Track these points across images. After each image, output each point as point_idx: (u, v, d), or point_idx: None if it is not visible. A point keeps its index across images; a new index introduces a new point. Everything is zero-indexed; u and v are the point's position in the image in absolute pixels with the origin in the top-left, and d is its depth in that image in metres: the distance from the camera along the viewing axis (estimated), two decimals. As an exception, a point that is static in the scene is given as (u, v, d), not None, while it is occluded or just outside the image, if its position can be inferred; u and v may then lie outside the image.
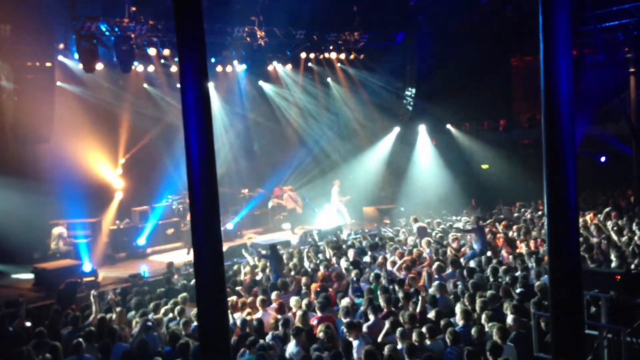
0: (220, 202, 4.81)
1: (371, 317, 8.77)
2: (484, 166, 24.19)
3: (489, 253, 12.63)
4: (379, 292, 9.76)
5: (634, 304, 6.99)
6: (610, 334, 6.87)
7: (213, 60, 18.13)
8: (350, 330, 8.02)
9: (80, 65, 15.62)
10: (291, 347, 7.87)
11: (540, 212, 16.49)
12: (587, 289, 6.99)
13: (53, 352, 8.07)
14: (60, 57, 16.13)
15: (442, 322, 8.19)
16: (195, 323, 8.86)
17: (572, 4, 3.83)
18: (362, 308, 9.30)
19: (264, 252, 13.41)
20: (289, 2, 17.02)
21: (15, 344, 8.45)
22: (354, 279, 10.95)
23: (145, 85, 19.44)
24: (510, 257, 12.16)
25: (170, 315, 9.74)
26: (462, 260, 12.07)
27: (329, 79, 22.28)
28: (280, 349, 8.04)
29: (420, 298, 9.31)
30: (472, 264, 11.88)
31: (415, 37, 21.01)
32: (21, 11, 13.73)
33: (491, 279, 10.45)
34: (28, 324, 9.77)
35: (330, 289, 10.57)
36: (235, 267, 13.26)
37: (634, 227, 13.85)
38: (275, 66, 20.10)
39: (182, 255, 16.63)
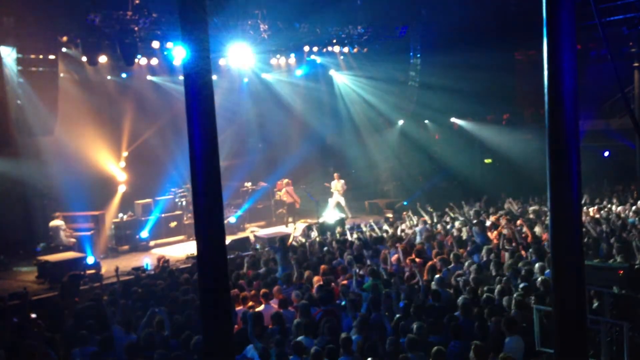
0: (223, 195, 4.82)
1: (373, 312, 8.78)
2: (487, 160, 24.16)
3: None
4: (381, 287, 9.78)
5: (637, 299, 6.99)
6: (612, 329, 6.88)
7: (216, 53, 18.10)
8: (356, 325, 8.04)
9: (84, 58, 15.64)
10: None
11: (543, 207, 16.47)
12: (590, 284, 6.99)
13: (53, 344, 8.10)
14: (64, 50, 16.13)
15: (444, 316, 8.21)
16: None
17: (577, -3, 3.81)
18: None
19: (272, 244, 13.43)
20: (292, -4, 17.03)
21: (19, 336, 8.49)
22: (356, 271, 10.97)
23: (148, 77, 19.43)
24: (513, 251, 12.15)
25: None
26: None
27: (332, 72, 22.25)
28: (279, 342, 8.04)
29: (422, 292, 9.33)
30: (471, 258, 11.88)
31: (418, 30, 20.97)
32: (25, 3, 13.72)
33: (494, 273, 10.45)
34: (33, 315, 9.81)
35: (333, 283, 10.59)
36: (237, 261, 13.29)
37: (637, 221, 13.84)
38: (279, 59, 20.07)
39: (185, 249, 16.69)
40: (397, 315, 8.56)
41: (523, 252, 11.79)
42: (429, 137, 24.34)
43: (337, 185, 20.46)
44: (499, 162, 23.03)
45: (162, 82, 19.57)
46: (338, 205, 20.37)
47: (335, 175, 20.77)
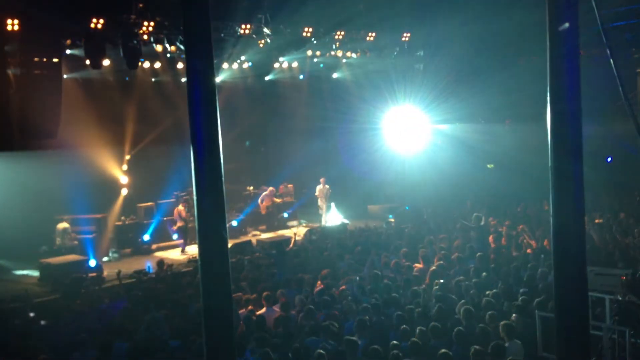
0: (225, 199, 4.81)
1: (374, 316, 8.77)
2: (490, 165, 24.13)
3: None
4: (382, 290, 9.78)
5: (639, 305, 6.97)
6: (614, 335, 6.87)
7: (219, 56, 18.12)
8: (358, 329, 8.04)
9: (87, 61, 15.67)
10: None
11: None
12: (592, 290, 6.98)
13: (56, 347, 8.11)
14: (68, 52, 16.15)
15: (446, 321, 8.21)
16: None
17: (580, 3, 3.82)
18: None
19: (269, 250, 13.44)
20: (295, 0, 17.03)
21: (21, 339, 8.50)
22: (358, 277, 10.96)
23: (152, 80, 19.46)
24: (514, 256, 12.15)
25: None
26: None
27: (335, 76, 22.26)
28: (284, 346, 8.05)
29: (423, 296, 9.32)
30: (472, 263, 11.87)
31: (422, 35, 20.97)
32: (30, 6, 13.76)
33: (495, 279, 10.44)
34: (31, 314, 9.81)
35: (334, 287, 10.58)
36: (239, 264, 13.29)
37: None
38: (282, 63, 20.09)
39: (187, 252, 16.71)
40: (397, 313, 8.56)
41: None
42: (433, 142, 24.29)
43: (321, 190, 20.44)
44: (502, 167, 22.99)
45: (165, 85, 19.58)
46: (327, 208, 20.32)
47: (321, 179, 20.72)
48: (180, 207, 17.64)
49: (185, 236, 17.20)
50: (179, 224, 17.50)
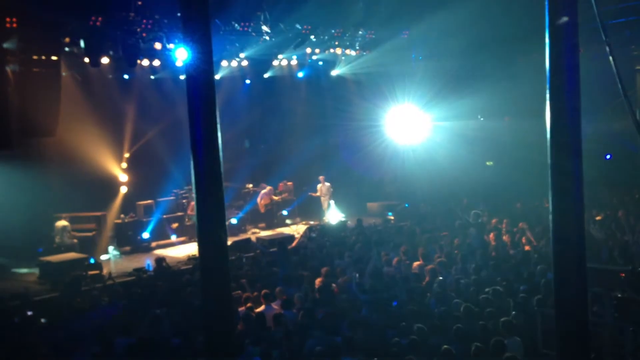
0: (224, 196, 4.81)
1: (373, 313, 8.78)
2: (489, 163, 24.11)
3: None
4: (382, 288, 9.78)
5: (639, 302, 6.97)
6: (614, 332, 6.87)
7: (218, 54, 18.10)
8: (357, 326, 8.05)
9: (87, 59, 15.65)
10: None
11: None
12: (592, 286, 6.98)
13: (56, 344, 8.11)
14: (67, 50, 16.11)
15: (445, 319, 8.21)
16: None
17: (579, 1, 3.82)
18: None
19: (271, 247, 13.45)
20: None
21: (21, 336, 8.50)
22: (358, 274, 10.96)
23: (151, 78, 19.45)
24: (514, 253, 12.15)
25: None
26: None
27: (334, 73, 22.25)
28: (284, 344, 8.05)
29: (422, 294, 9.33)
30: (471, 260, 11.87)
31: (421, 33, 20.96)
32: (28, 4, 13.73)
33: (495, 276, 10.44)
34: (29, 312, 9.81)
35: (334, 284, 10.58)
36: (238, 262, 13.29)
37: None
38: (280, 61, 20.07)
39: (186, 250, 16.71)
40: (397, 311, 8.56)
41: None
42: (432, 139, 24.28)
43: (322, 188, 20.42)
44: (501, 165, 22.98)
45: (164, 83, 19.56)
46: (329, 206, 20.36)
47: (321, 177, 20.69)
48: (193, 202, 17.83)
49: None
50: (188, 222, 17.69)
